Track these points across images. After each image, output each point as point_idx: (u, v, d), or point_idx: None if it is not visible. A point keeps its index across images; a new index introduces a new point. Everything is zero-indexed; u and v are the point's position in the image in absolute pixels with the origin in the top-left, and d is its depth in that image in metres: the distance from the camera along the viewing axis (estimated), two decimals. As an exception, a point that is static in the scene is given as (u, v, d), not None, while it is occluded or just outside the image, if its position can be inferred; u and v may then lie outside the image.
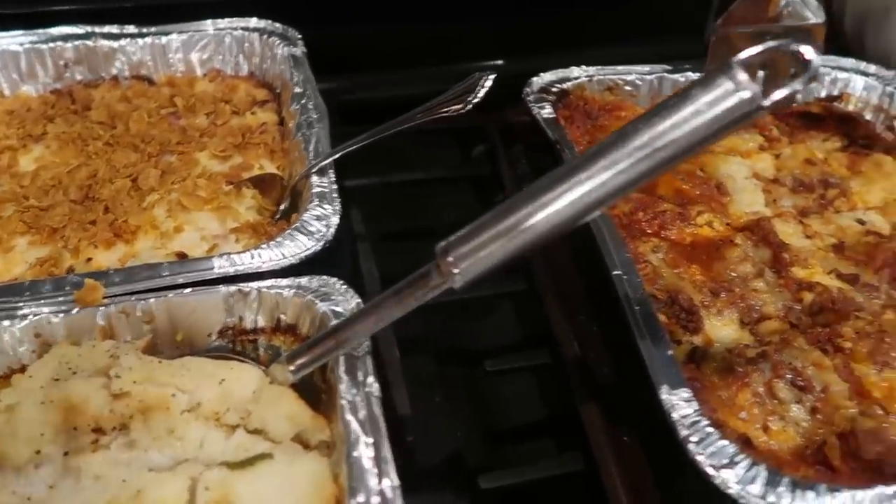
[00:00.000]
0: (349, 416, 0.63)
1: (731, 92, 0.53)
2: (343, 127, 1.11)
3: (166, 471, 0.62)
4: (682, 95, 0.55)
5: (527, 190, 0.59)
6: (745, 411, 0.72)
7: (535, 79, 1.12)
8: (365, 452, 0.60)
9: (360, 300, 0.75)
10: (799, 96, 1.20)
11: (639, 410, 0.73)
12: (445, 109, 0.83)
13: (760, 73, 0.62)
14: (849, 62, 1.19)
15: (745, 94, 0.53)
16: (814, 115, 1.16)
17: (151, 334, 0.74)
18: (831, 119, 1.15)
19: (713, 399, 0.72)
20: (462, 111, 0.83)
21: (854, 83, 1.17)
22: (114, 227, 0.89)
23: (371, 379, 0.67)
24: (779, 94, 0.53)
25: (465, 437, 0.93)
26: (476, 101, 0.83)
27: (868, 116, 1.15)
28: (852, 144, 1.13)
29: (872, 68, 1.18)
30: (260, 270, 0.79)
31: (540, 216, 0.58)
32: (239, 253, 0.80)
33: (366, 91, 1.38)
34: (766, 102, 0.53)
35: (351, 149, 0.93)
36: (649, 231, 0.93)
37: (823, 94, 1.18)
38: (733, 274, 0.87)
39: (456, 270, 0.60)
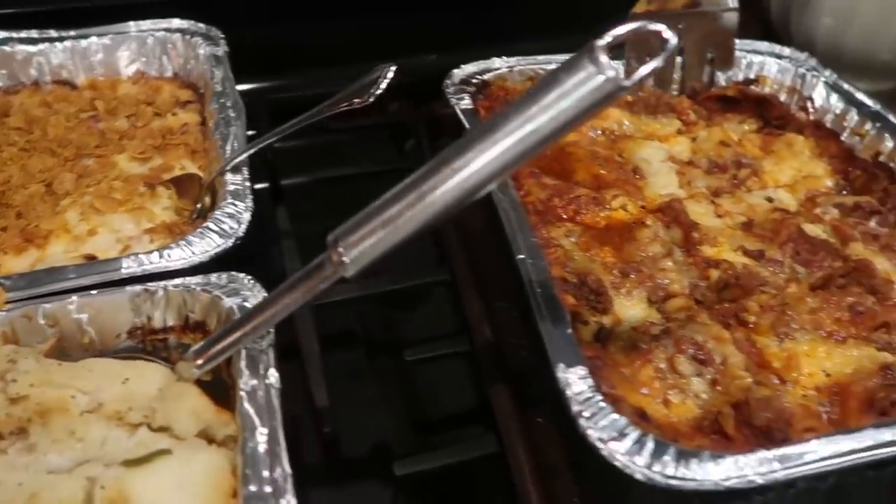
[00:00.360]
0: (247, 407, 0.63)
1: (593, 74, 0.54)
2: (274, 126, 1.11)
3: (65, 472, 0.62)
4: (549, 79, 0.56)
5: (409, 179, 0.60)
6: (647, 386, 0.74)
7: (455, 71, 1.13)
8: (260, 442, 0.61)
9: (266, 294, 0.76)
10: (723, 81, 1.22)
11: (545, 391, 0.74)
12: (347, 104, 0.84)
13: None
14: (763, 45, 1.21)
15: (608, 75, 0.54)
16: (730, 99, 1.18)
17: (56, 338, 0.74)
18: (747, 102, 1.18)
19: (614, 376, 0.73)
20: (364, 104, 0.84)
21: (769, 66, 1.19)
22: (25, 232, 0.88)
23: (272, 371, 0.67)
24: (639, 74, 0.54)
25: (393, 426, 0.94)
26: (378, 92, 0.83)
27: (782, 98, 1.17)
28: (767, 125, 1.16)
29: (787, 51, 1.21)
30: (169, 270, 0.79)
31: (422, 204, 0.59)
32: (147, 253, 0.79)
33: (296, 89, 1.39)
34: (628, 83, 0.54)
35: (262, 145, 0.93)
36: (564, 216, 0.94)
37: (741, 77, 1.21)
38: (643, 254, 0.88)
39: (347, 259, 0.61)
